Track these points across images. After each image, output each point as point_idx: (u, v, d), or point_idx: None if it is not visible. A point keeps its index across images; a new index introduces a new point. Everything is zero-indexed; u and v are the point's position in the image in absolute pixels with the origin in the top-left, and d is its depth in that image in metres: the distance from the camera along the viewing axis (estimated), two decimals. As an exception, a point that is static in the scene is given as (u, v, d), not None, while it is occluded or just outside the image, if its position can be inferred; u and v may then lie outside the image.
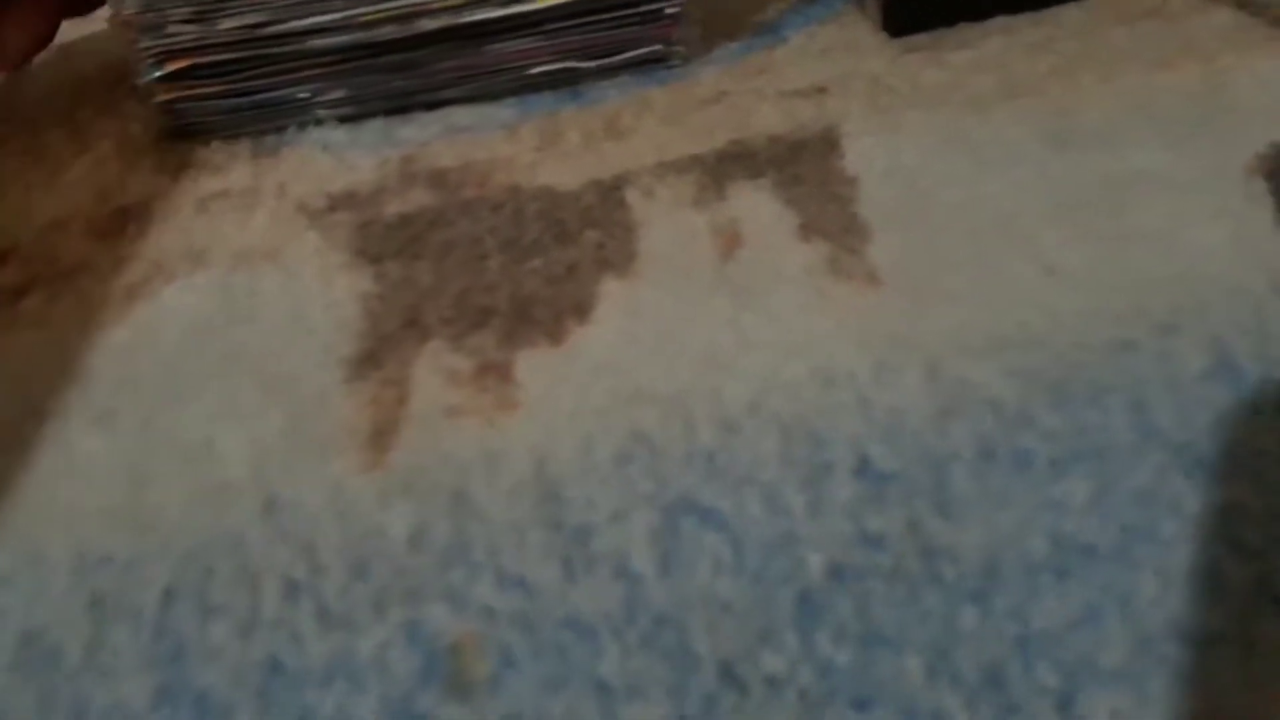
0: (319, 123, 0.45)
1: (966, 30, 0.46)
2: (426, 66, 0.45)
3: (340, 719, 0.24)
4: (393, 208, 0.40)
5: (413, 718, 0.23)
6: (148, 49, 0.43)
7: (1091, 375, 0.29)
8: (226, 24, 0.43)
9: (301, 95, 0.45)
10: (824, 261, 0.35)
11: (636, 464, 0.28)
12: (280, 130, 0.45)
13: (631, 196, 0.39)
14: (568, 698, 0.23)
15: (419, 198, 0.41)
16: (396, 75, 0.45)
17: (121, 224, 0.41)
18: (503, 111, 0.45)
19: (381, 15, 0.44)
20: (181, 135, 0.45)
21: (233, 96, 0.44)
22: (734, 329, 0.33)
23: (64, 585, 0.27)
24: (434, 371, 0.33)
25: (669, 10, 0.45)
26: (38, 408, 0.33)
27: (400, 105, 0.45)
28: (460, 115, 0.45)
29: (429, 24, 0.44)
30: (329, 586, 0.26)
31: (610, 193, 0.40)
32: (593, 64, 0.46)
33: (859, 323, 0.32)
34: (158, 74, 0.43)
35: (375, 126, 0.45)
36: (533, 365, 0.32)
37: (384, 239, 0.39)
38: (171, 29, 0.43)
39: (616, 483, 0.28)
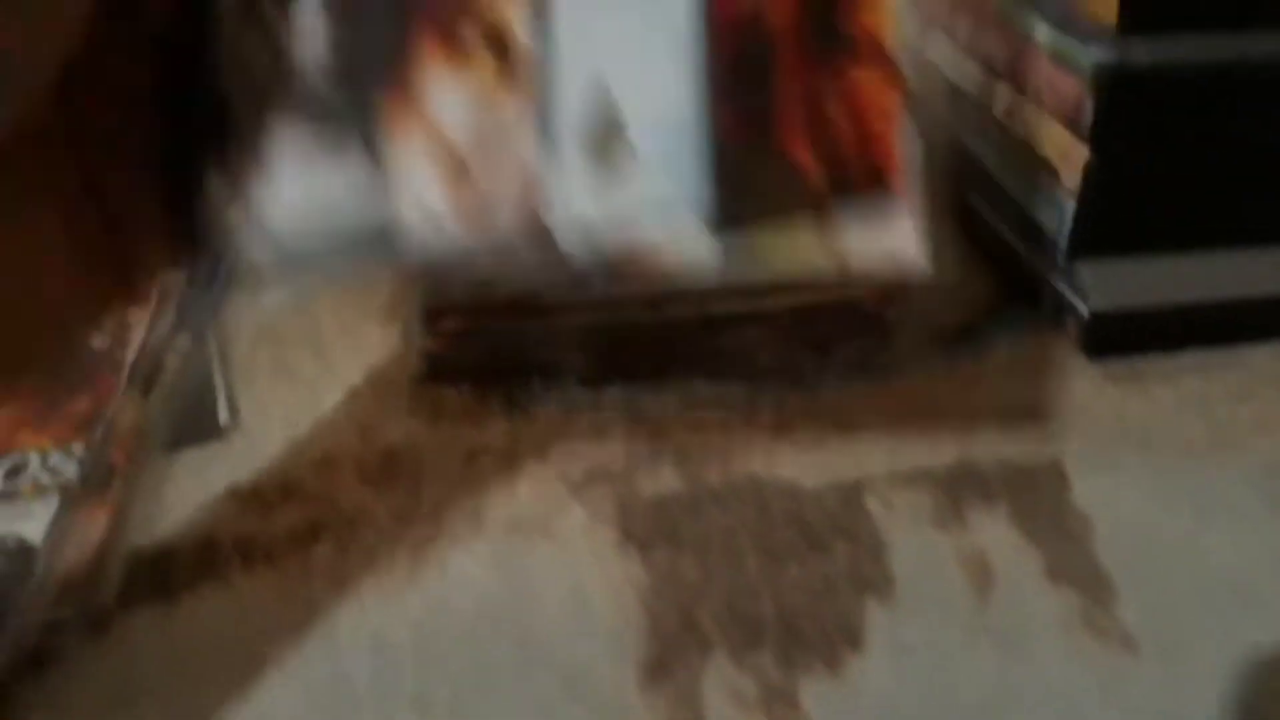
0: (562, 384, 0.49)
1: (1161, 361, 0.50)
2: (667, 346, 0.49)
3: None
4: (647, 487, 0.43)
5: None
6: (424, 302, 0.47)
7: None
8: (504, 292, 0.47)
9: (552, 359, 0.48)
10: (1077, 614, 0.37)
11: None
12: (526, 385, 0.48)
13: (871, 504, 0.42)
14: None
15: (668, 479, 0.44)
16: (640, 352, 0.48)
17: (392, 471, 0.44)
18: (733, 393, 0.48)
19: (635, 299, 0.48)
20: (433, 379, 0.49)
21: (490, 353, 0.48)
22: (1002, 683, 0.35)
23: None
24: (720, 689, 0.35)
25: (885, 314, 0.49)
26: (352, 680, 0.35)
27: (639, 376, 0.49)
28: (695, 392, 0.48)
29: (676, 311, 0.48)
30: None
31: (850, 497, 0.43)
32: (816, 357, 0.49)
33: (1122, 690, 0.35)
34: (430, 328, 0.47)
35: (615, 392, 0.48)
36: (816, 695, 0.35)
37: (645, 521, 0.42)
38: (452, 289, 0.47)
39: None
